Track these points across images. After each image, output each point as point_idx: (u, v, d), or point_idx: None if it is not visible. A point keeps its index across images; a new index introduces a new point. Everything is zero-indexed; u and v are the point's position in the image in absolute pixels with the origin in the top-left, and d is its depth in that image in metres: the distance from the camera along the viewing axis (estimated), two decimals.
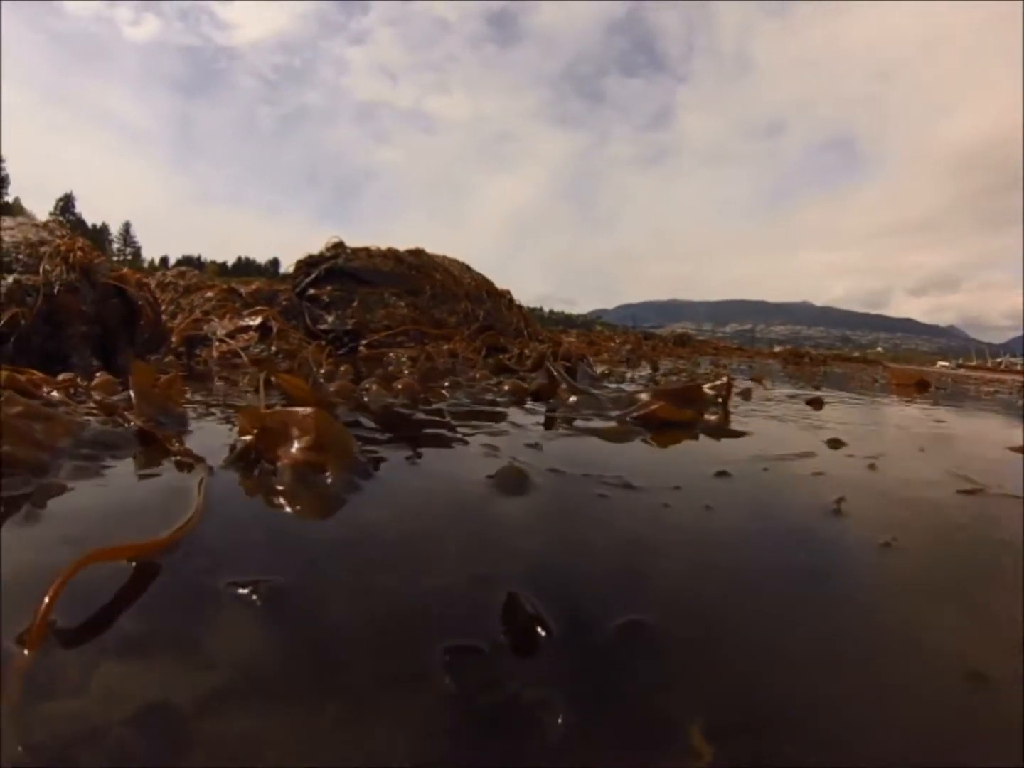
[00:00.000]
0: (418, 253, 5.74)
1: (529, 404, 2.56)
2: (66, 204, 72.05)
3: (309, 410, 1.28)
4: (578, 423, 2.14)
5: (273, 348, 3.96)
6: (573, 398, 2.55)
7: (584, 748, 0.51)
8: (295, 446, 1.22)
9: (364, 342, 4.54)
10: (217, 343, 4.20)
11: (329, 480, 1.17)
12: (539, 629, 0.67)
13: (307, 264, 5.60)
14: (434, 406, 2.36)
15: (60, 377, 2.20)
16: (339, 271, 5.36)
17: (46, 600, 0.60)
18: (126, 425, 1.52)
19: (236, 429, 1.42)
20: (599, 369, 4.83)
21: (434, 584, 0.79)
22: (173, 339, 4.42)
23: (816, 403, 3.39)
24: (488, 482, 1.27)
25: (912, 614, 0.83)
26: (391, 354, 4.05)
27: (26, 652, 0.57)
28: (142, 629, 0.64)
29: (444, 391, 2.75)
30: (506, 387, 2.90)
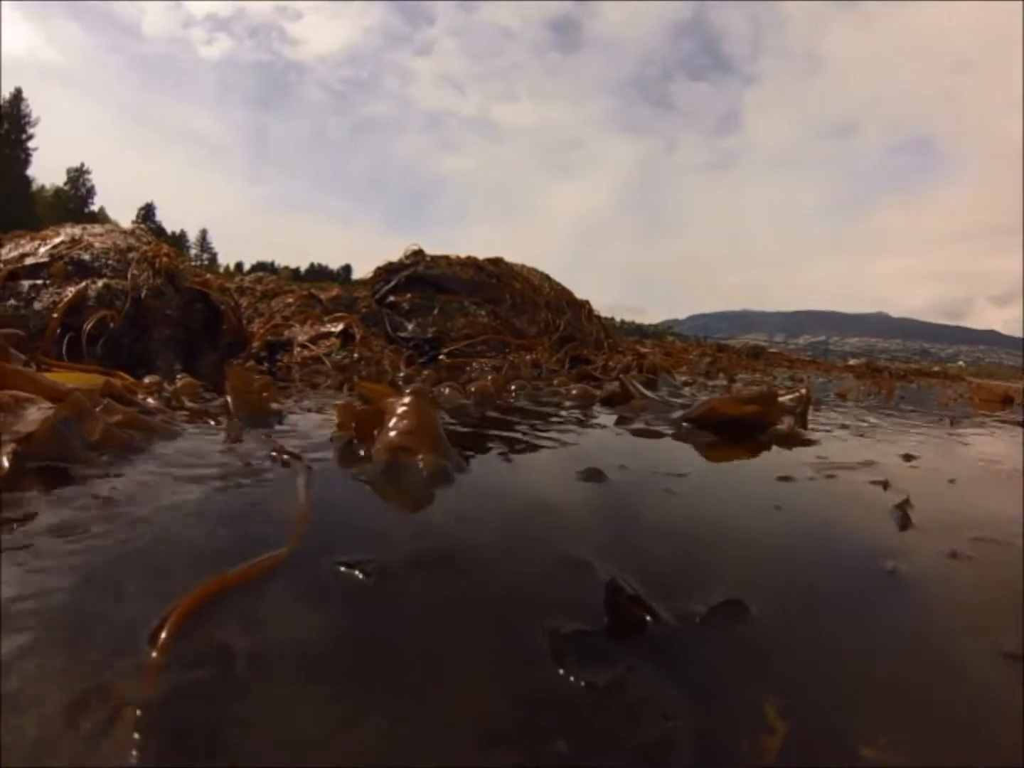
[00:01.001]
0: (497, 262, 5.66)
1: (597, 408, 2.67)
2: (147, 213, 75.14)
3: (406, 399, 1.28)
4: (641, 426, 2.20)
5: (355, 355, 3.92)
6: (642, 403, 2.64)
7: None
8: (391, 433, 1.21)
9: (445, 351, 4.47)
10: (299, 348, 4.19)
11: (422, 465, 1.16)
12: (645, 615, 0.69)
13: (386, 271, 5.58)
14: (508, 404, 2.52)
15: (146, 380, 2.17)
16: (419, 279, 5.31)
17: (163, 636, 0.54)
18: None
19: (335, 423, 1.43)
20: (680, 379, 4.70)
21: (535, 566, 0.83)
22: (254, 344, 4.44)
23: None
24: (569, 474, 1.32)
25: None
26: (473, 363, 3.96)
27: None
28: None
29: (512, 395, 2.90)
30: (574, 391, 2.97)
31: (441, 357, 4.40)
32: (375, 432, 1.22)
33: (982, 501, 1.56)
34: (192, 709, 0.47)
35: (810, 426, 2.63)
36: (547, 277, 5.97)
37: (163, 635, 0.53)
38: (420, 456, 1.14)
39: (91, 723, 0.45)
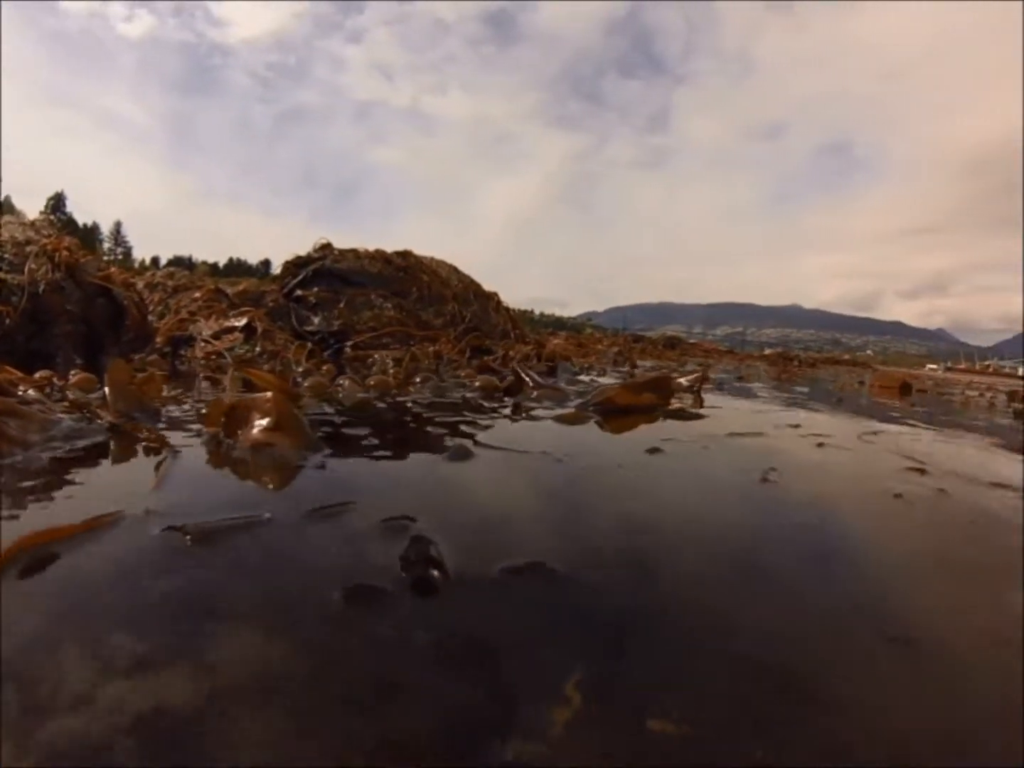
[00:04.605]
0: (406, 255, 5.75)
1: (497, 397, 2.74)
2: (57, 203, 71.31)
3: (268, 394, 1.38)
4: (538, 412, 2.31)
5: (258, 349, 3.96)
6: (536, 392, 2.77)
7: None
8: (255, 427, 1.32)
9: (350, 344, 4.54)
10: (202, 344, 4.19)
11: (282, 454, 1.26)
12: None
13: (295, 265, 5.60)
14: (406, 399, 2.54)
15: (37, 375, 2.20)
16: (327, 272, 5.36)
17: None
18: (99, 420, 1.53)
19: (205, 419, 1.49)
20: (595, 373, 4.89)
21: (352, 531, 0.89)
22: (158, 339, 4.41)
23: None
24: (436, 457, 1.42)
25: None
26: (376, 355, 4.05)
27: None
28: None
29: (416, 386, 2.98)
30: (477, 383, 3.04)
31: (346, 350, 4.47)
32: (241, 426, 1.33)
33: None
34: None
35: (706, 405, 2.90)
36: (455, 269, 6.10)
37: None
38: (278, 446, 1.25)
39: None
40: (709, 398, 3.19)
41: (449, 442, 1.60)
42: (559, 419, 2.15)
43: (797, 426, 2.37)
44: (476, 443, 1.59)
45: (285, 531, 0.87)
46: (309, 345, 4.17)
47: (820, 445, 2.02)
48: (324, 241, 5.76)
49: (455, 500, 1.15)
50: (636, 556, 0.89)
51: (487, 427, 1.92)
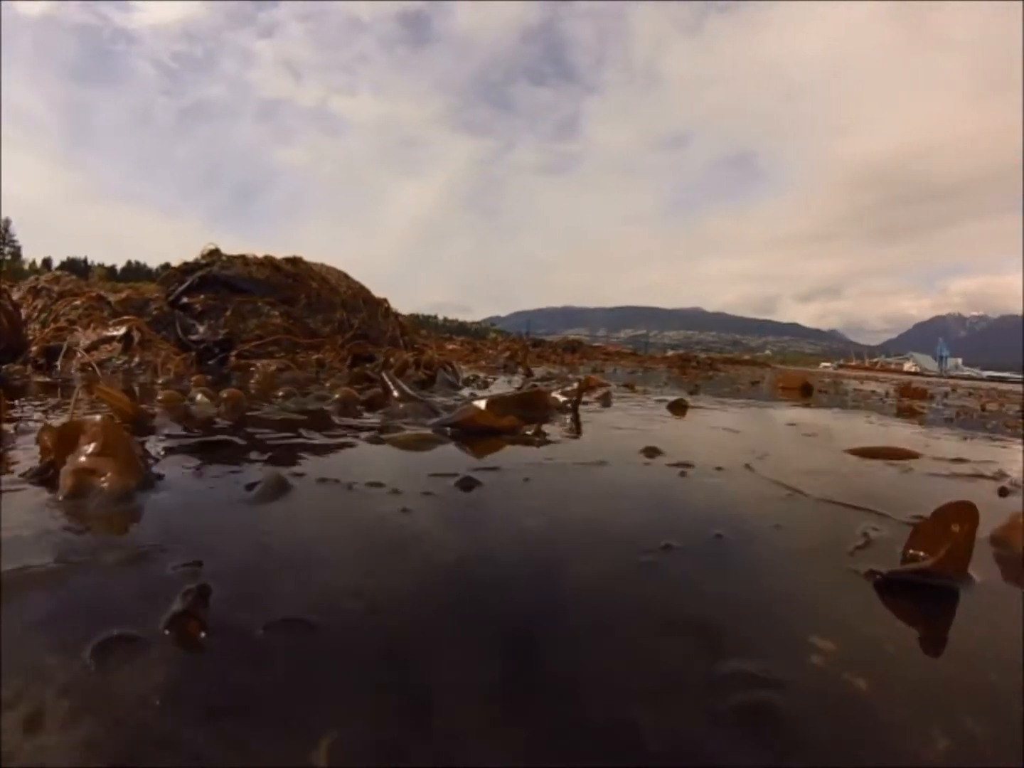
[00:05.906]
0: (295, 261, 5.78)
1: (359, 411, 2.62)
2: None
3: (98, 419, 1.32)
4: (384, 434, 2.10)
5: (136, 359, 3.93)
6: (402, 405, 2.64)
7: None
8: (82, 455, 1.24)
9: (235, 352, 4.56)
10: (78, 354, 4.12)
11: (105, 485, 1.19)
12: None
13: (181, 271, 5.54)
14: (254, 414, 2.40)
15: None
16: (214, 279, 5.34)
17: None
18: None
19: (40, 448, 1.39)
20: (470, 376, 4.96)
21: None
22: (32, 349, 4.31)
23: None
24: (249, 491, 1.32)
25: None
26: (259, 364, 4.10)
27: None
28: None
29: (276, 399, 2.83)
30: (336, 395, 2.86)
31: (232, 359, 4.48)
32: (71, 452, 1.25)
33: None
34: None
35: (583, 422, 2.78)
36: (345, 276, 6.16)
37: None
38: (104, 477, 1.20)
39: None
40: (590, 415, 3.01)
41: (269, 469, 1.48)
42: (400, 443, 1.97)
43: (658, 454, 2.06)
44: (296, 475, 1.45)
45: (59, 580, 0.85)
46: (193, 354, 4.18)
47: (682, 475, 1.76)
48: (212, 247, 5.71)
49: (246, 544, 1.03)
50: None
51: (323, 451, 1.81)
